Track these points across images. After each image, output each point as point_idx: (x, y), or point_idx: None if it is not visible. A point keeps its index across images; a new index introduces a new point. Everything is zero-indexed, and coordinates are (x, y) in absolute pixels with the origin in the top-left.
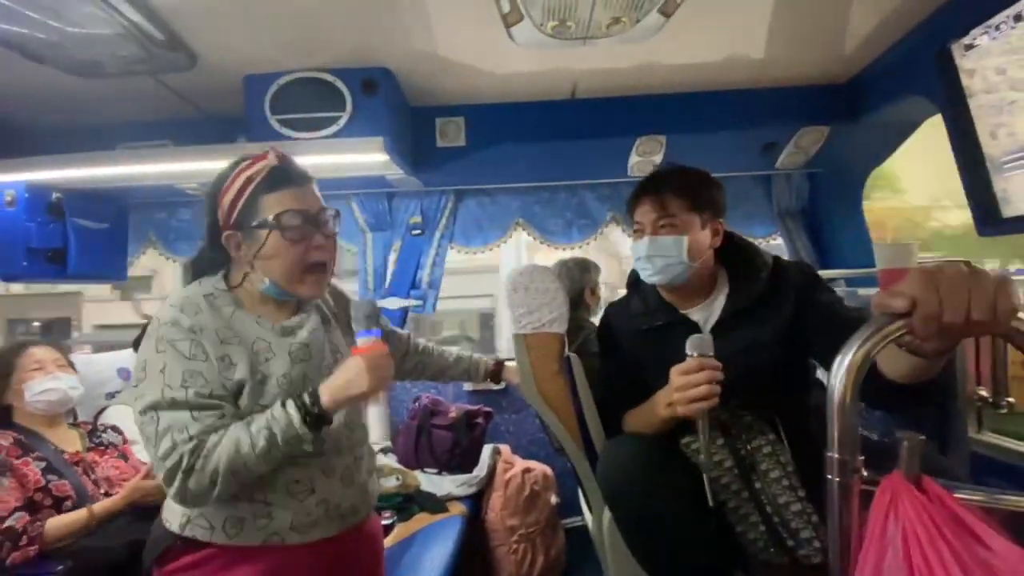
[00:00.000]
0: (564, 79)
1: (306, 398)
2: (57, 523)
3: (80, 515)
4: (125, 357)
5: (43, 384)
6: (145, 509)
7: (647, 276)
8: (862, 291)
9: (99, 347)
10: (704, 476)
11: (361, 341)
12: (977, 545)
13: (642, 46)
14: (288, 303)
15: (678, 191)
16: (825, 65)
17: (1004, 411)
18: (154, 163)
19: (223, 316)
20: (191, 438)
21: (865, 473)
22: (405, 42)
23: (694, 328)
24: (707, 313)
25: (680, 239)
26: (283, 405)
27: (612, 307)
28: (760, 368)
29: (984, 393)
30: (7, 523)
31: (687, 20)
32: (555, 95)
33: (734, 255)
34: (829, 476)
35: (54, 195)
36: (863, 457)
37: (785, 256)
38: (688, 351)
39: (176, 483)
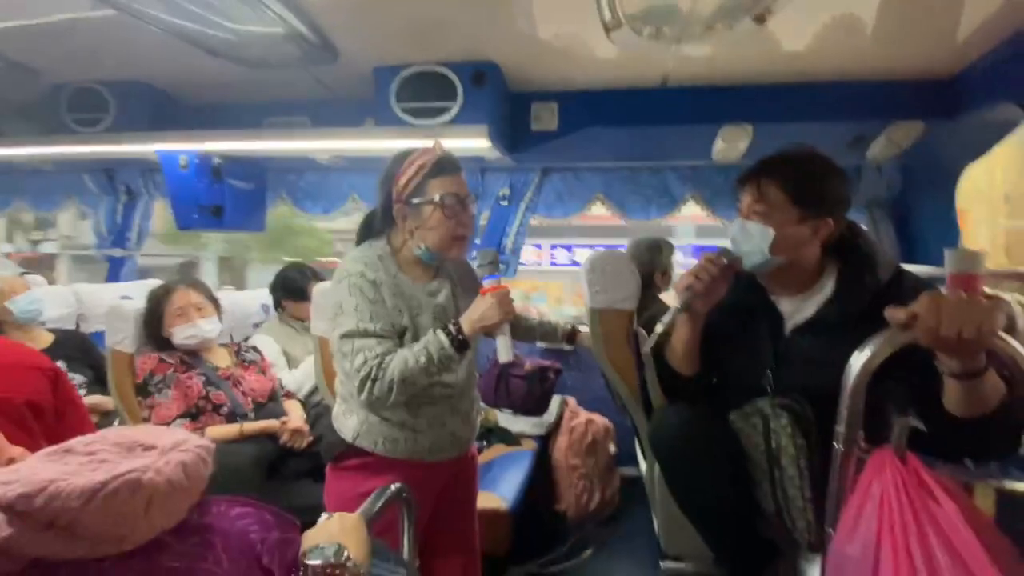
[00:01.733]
0: (656, 68)
1: (451, 327)
2: (215, 432)
3: (234, 428)
4: (264, 295)
5: (184, 331)
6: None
7: None
8: (944, 290)
9: None
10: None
11: (487, 283)
12: (931, 502)
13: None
14: (430, 268)
15: (781, 181)
16: (929, 58)
17: None
18: (296, 140)
19: (391, 274)
20: (377, 355)
21: (864, 446)
22: (510, 34)
23: (776, 318)
24: (796, 308)
25: (765, 230)
26: (435, 332)
27: None
28: (834, 388)
29: None
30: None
31: (789, 10)
32: (646, 83)
33: (851, 254)
34: (835, 445)
35: (216, 160)
36: (863, 433)
37: None
38: None
39: (366, 389)
